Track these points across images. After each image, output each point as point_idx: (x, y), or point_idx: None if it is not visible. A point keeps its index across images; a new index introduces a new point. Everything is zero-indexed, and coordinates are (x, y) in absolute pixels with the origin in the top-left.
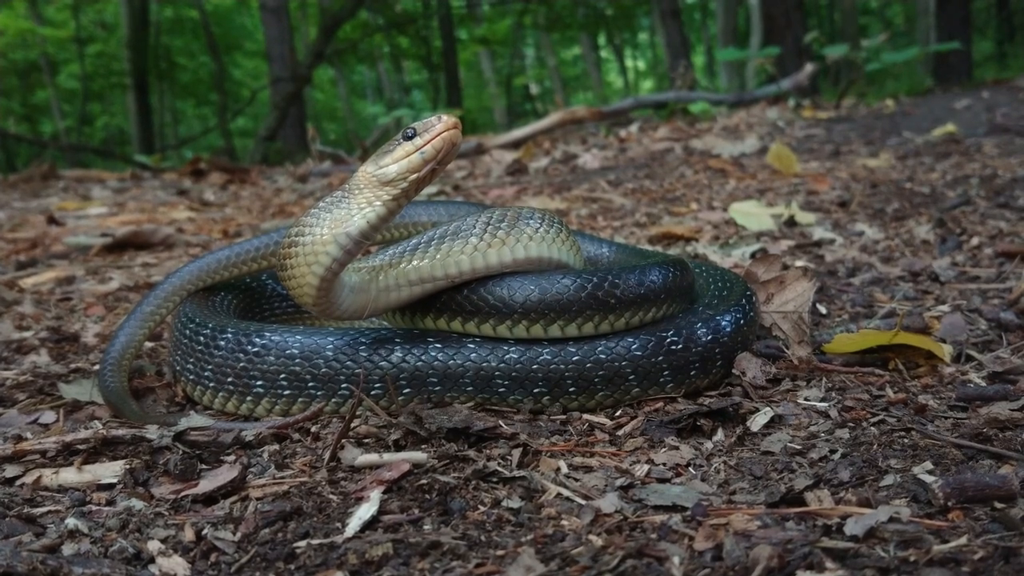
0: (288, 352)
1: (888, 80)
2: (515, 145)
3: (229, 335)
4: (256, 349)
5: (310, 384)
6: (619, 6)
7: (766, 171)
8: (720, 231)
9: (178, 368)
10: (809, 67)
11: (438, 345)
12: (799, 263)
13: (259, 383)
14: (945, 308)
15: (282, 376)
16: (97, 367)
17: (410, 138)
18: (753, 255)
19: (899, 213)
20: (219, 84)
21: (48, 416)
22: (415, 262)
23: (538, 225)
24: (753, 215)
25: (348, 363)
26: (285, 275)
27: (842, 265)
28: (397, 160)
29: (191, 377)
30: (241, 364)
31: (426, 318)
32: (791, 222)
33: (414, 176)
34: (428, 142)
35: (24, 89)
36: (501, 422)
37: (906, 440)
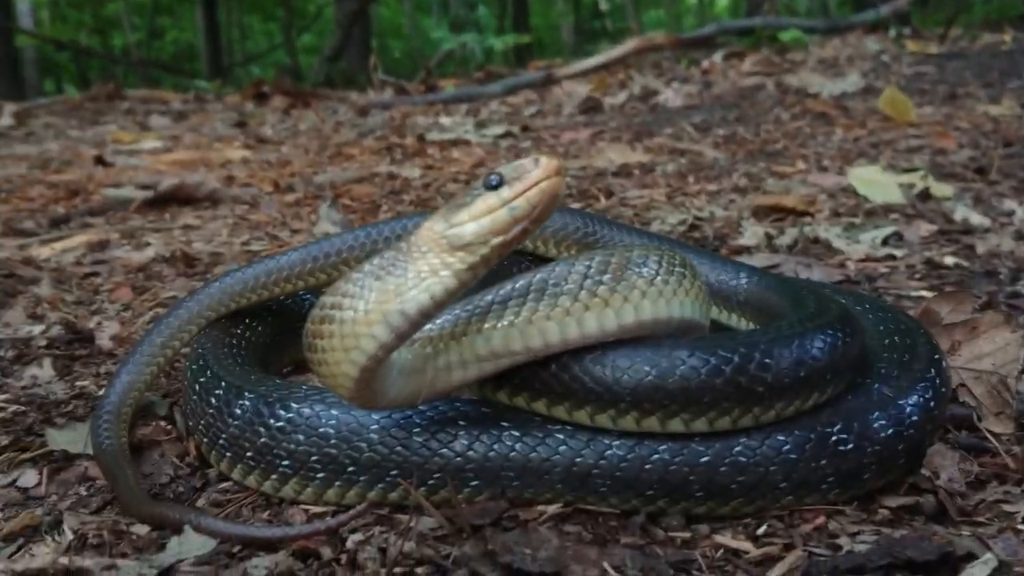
0: (321, 431)
1: (975, 3)
2: (587, 73)
3: (247, 403)
4: (280, 424)
5: (349, 469)
6: None
7: (875, 117)
8: (838, 203)
9: (190, 422)
10: None
11: (516, 432)
12: (949, 259)
13: (285, 463)
14: None
15: (314, 458)
16: (103, 391)
17: (495, 187)
18: (886, 241)
19: None
20: (285, 0)
21: (29, 476)
22: (486, 331)
23: (653, 273)
24: (877, 184)
25: (398, 449)
26: (315, 359)
27: (999, 261)
28: (476, 217)
29: (204, 439)
30: (262, 440)
31: (499, 392)
32: (924, 195)
33: (498, 240)
34: (520, 194)
35: (94, 2)
36: (606, 564)
37: None
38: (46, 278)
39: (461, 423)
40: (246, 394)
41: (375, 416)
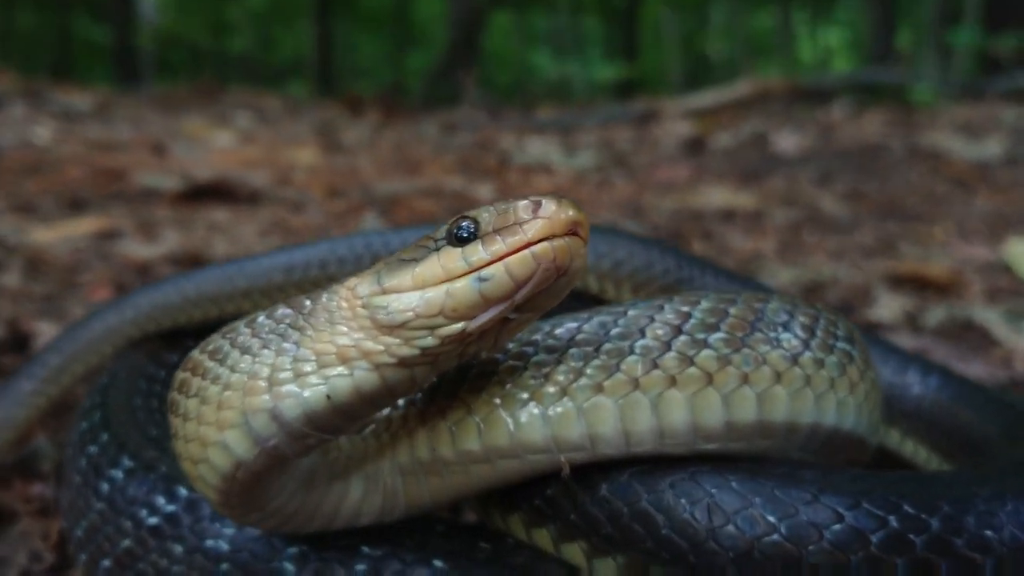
0: (210, 545)
1: None
2: (693, 115)
3: (119, 474)
4: (155, 522)
5: None
6: None
7: (1020, 189)
8: (991, 282)
9: (61, 490)
10: None
11: None
12: None
13: None
14: None
15: None
16: None
17: (464, 239)
18: None
19: None
20: (397, 19)
21: None
22: (485, 410)
23: (800, 345)
24: None
25: None
26: (174, 445)
27: None
28: (422, 285)
29: (66, 521)
30: (126, 542)
31: (510, 517)
32: None
33: (453, 328)
34: (499, 258)
35: (213, 4)
36: None
37: None
38: (19, 265)
39: (436, 563)
40: (124, 459)
41: (298, 534)
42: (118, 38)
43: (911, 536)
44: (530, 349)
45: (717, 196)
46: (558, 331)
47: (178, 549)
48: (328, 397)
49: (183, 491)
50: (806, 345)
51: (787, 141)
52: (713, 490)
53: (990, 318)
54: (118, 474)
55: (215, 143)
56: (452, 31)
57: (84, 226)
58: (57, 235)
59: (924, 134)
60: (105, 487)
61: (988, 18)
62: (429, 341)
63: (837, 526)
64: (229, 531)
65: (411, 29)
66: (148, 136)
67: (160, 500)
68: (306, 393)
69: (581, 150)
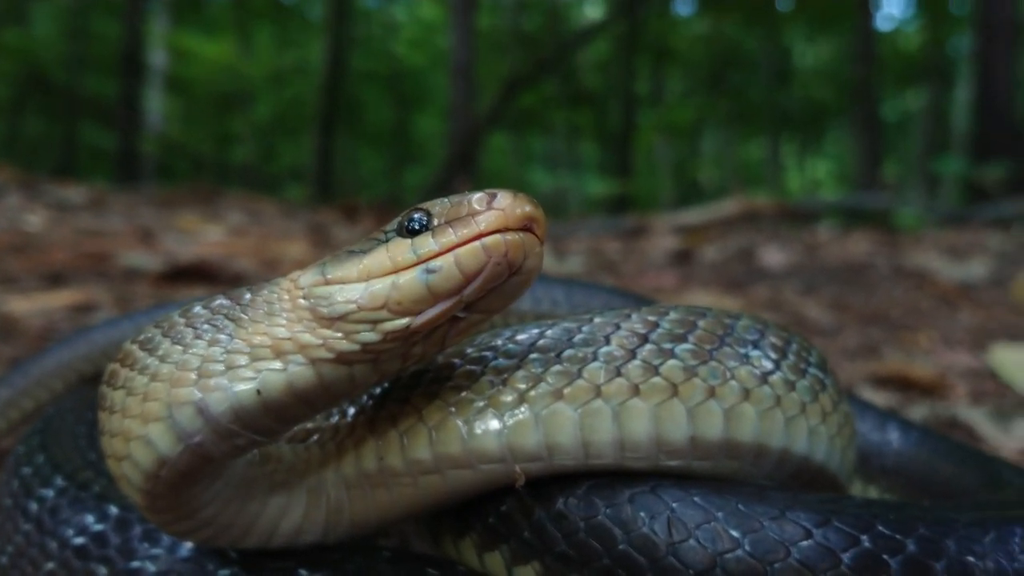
0: (134, 567)
1: None
2: (682, 230)
3: (50, 492)
4: (80, 543)
5: None
6: (812, 109)
7: (1003, 307)
8: (976, 385)
9: None
10: None
11: None
12: None
13: None
14: None
15: None
16: None
17: (415, 231)
18: None
19: None
20: (398, 135)
21: None
22: (437, 417)
23: (771, 365)
24: None
25: None
26: (100, 442)
27: None
28: (368, 276)
29: None
30: (49, 566)
31: (461, 542)
32: None
33: (396, 324)
34: (449, 249)
35: (219, 116)
36: None
37: None
38: None
39: None
40: (57, 479)
41: (231, 556)
42: (122, 144)
43: (885, 557)
44: (489, 354)
45: (703, 300)
46: (520, 336)
47: (102, 571)
48: (258, 392)
49: (114, 509)
50: (776, 365)
51: (773, 256)
52: (674, 503)
53: (975, 417)
54: (49, 493)
55: (206, 236)
56: (450, 148)
57: (62, 299)
58: (33, 305)
59: (909, 255)
60: (34, 507)
61: (974, 149)
62: (371, 336)
63: (805, 543)
64: (157, 551)
65: (410, 146)
66: (139, 227)
67: (89, 519)
68: (236, 387)
69: (571, 256)
